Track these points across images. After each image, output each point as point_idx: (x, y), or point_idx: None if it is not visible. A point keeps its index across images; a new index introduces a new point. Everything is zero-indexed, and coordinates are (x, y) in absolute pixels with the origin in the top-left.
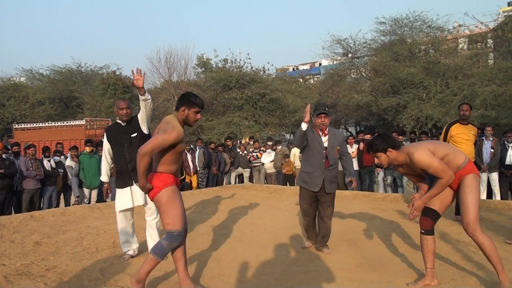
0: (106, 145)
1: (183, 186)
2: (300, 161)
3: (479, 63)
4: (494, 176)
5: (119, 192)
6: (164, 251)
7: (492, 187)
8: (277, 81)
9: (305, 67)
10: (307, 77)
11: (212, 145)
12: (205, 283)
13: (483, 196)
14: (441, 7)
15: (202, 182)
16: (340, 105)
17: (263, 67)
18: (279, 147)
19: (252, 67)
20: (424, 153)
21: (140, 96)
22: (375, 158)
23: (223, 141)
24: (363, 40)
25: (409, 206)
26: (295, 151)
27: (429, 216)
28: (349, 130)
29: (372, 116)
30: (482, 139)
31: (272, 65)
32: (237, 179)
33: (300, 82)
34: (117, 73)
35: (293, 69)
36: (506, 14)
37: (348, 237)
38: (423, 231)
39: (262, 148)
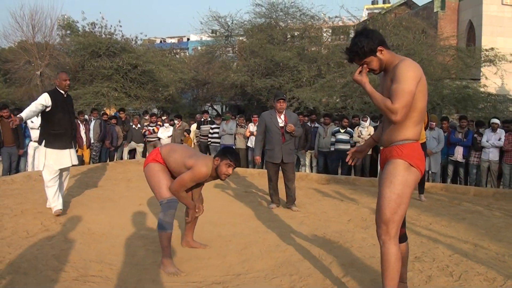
0: (47, 103)
1: None
2: None
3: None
4: None
5: (59, 153)
6: (163, 222)
7: None
8: (149, 52)
9: (173, 40)
10: (175, 51)
11: (105, 117)
12: None
13: None
14: None
15: (96, 156)
16: (213, 83)
17: (136, 37)
18: (178, 122)
19: (123, 35)
20: (412, 69)
21: None
22: (361, 68)
23: (115, 113)
24: (241, 20)
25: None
26: (194, 127)
27: None
28: (215, 107)
29: (245, 96)
30: None
31: (146, 35)
32: (128, 155)
33: (173, 56)
34: None
35: (161, 41)
36: (369, 11)
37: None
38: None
39: (159, 122)
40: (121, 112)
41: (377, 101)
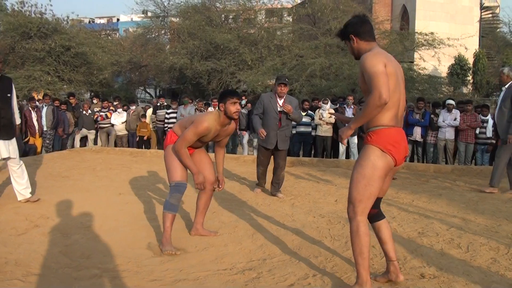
0: None
1: (28, 149)
2: None
3: (285, 36)
4: (354, 140)
5: None
6: (169, 203)
7: (352, 149)
8: (82, 33)
9: (102, 21)
10: (106, 32)
11: (57, 103)
12: None
13: (342, 157)
14: None
15: (49, 145)
16: (150, 66)
17: (67, 16)
18: (133, 107)
19: (54, 15)
20: (374, 55)
21: None
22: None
23: (65, 98)
24: (177, 1)
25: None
26: (150, 112)
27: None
28: (148, 91)
29: (182, 79)
30: (344, 107)
31: (78, 15)
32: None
33: (107, 37)
34: None
35: (89, 21)
36: None
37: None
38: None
39: (111, 108)
40: (71, 97)
41: (367, 113)
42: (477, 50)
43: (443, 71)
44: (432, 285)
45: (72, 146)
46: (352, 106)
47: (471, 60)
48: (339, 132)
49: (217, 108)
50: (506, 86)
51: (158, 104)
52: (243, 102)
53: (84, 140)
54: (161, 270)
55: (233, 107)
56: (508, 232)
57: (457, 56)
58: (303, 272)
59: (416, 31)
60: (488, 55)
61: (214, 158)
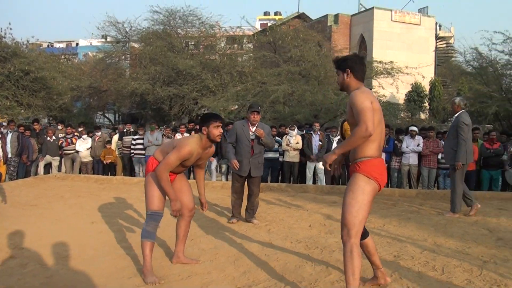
0: None
1: None
2: None
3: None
4: (321, 166)
5: None
6: (144, 231)
7: (319, 174)
8: (41, 58)
9: (61, 45)
10: (66, 56)
11: (21, 129)
12: None
13: (310, 182)
14: (221, 7)
15: (14, 172)
16: (111, 90)
17: (27, 41)
18: (98, 133)
19: (13, 39)
20: (361, 93)
21: None
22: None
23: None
24: (139, 27)
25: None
26: (116, 139)
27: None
28: (107, 116)
29: (142, 104)
30: (311, 133)
31: (38, 39)
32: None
33: (67, 62)
34: None
35: (48, 45)
36: (261, 22)
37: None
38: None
39: (76, 134)
40: (35, 123)
41: (353, 142)
42: (433, 78)
43: (400, 98)
44: None
45: (36, 173)
46: (318, 133)
47: (427, 88)
48: (323, 157)
49: (198, 135)
50: (456, 115)
51: (125, 130)
52: None
53: (47, 167)
54: None
55: (216, 131)
56: (478, 254)
57: (413, 83)
58: None
59: (376, 59)
60: (443, 83)
61: (195, 180)
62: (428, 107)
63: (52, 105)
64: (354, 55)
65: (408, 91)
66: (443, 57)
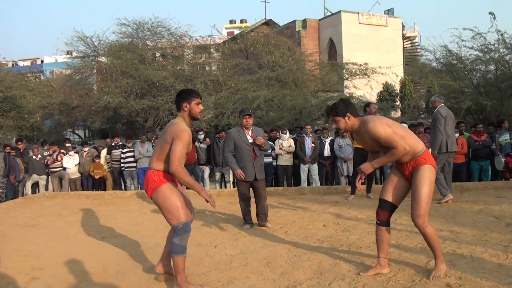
0: None
1: None
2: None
3: (220, 71)
4: (315, 167)
5: None
6: (179, 246)
7: (314, 176)
8: (9, 77)
9: (26, 63)
10: (34, 74)
11: (8, 149)
12: None
13: (304, 184)
14: (187, 17)
15: (3, 193)
16: (83, 106)
17: None
18: (86, 149)
19: None
20: (379, 123)
21: None
22: (334, 123)
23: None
24: (108, 40)
25: (358, 171)
26: (105, 153)
27: (385, 208)
28: (77, 133)
29: (114, 118)
30: (303, 136)
31: (4, 58)
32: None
33: (37, 80)
34: None
35: (13, 64)
36: (228, 30)
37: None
38: (378, 222)
39: (62, 151)
40: (19, 142)
41: (392, 159)
42: (403, 77)
43: (373, 98)
44: None
45: (23, 194)
46: (310, 135)
47: (398, 87)
48: (362, 168)
49: (181, 114)
50: (435, 110)
51: (113, 144)
52: (201, 137)
53: (34, 186)
54: None
55: (197, 108)
56: (496, 240)
57: (384, 83)
58: None
59: (351, 61)
60: (413, 81)
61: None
62: (399, 106)
63: (24, 125)
64: (344, 101)
65: (380, 91)
66: (410, 56)
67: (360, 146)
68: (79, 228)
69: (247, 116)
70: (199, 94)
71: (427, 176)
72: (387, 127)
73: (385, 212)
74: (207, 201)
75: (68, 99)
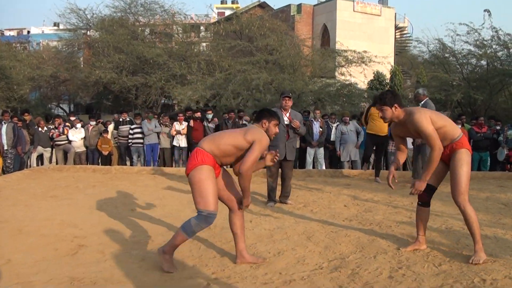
0: None
1: None
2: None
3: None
4: (321, 150)
5: None
6: (192, 229)
7: (319, 160)
8: None
9: (12, 33)
10: (18, 45)
11: (15, 119)
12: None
13: (310, 166)
14: None
15: (11, 164)
16: (74, 80)
17: None
18: (93, 123)
19: None
20: (424, 117)
21: None
22: (380, 112)
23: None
24: (101, 14)
25: (411, 187)
26: (112, 128)
27: (426, 190)
28: (62, 107)
29: (105, 94)
30: (311, 120)
31: None
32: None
33: (22, 50)
34: None
35: None
36: (219, 10)
37: None
38: (420, 203)
39: (67, 124)
40: (25, 113)
41: (433, 164)
42: (393, 67)
43: (363, 86)
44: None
45: (27, 165)
46: (319, 120)
47: (388, 76)
48: (415, 185)
49: (260, 125)
50: (421, 103)
51: (121, 119)
52: (210, 116)
53: (38, 158)
54: (261, 275)
55: (274, 129)
56: None
57: (375, 72)
58: (392, 265)
59: (350, 49)
60: (403, 71)
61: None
62: None
63: (12, 96)
64: (392, 91)
65: (370, 80)
66: (400, 47)
67: (372, 132)
68: (101, 201)
69: (287, 98)
70: (279, 118)
71: (464, 158)
72: (430, 124)
73: (425, 194)
74: (243, 206)
75: (58, 72)
